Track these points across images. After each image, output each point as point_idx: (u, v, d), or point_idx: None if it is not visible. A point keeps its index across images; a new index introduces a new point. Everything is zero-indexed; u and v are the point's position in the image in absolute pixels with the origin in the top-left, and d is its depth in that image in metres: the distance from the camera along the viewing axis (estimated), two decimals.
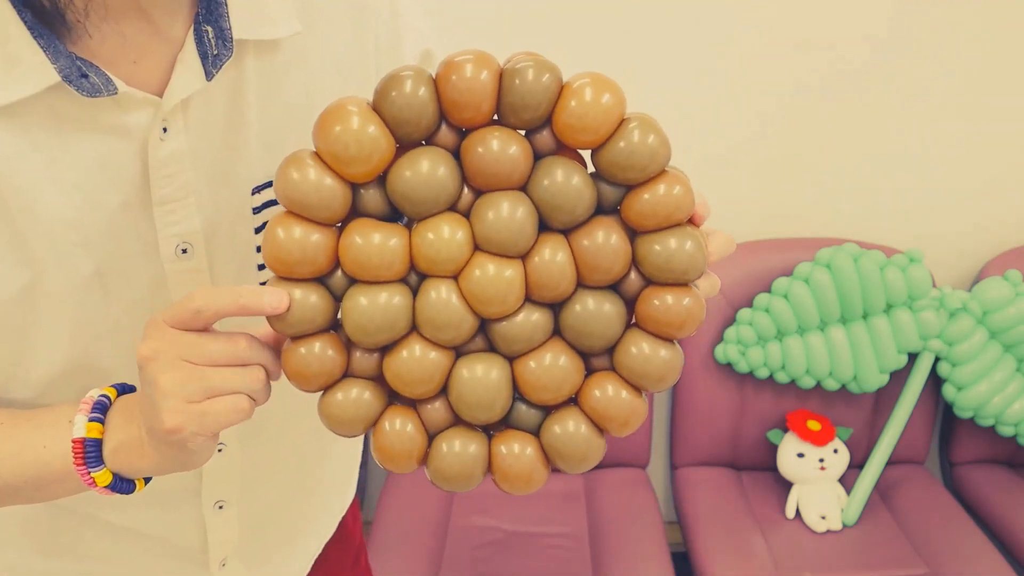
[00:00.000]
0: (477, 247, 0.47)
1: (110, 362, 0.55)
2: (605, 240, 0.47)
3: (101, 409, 0.50)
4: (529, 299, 0.48)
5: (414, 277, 0.48)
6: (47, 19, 0.45)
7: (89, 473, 0.49)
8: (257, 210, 0.56)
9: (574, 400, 0.50)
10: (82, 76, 0.45)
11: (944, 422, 1.70)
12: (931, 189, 1.62)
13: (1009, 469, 1.64)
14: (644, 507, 1.53)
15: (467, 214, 0.48)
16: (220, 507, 0.66)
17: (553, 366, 0.48)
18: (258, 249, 0.57)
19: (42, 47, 0.45)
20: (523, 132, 0.47)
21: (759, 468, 1.65)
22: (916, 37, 1.51)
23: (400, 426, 0.48)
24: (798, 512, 1.53)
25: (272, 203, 0.57)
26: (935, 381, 1.59)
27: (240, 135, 0.54)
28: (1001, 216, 1.64)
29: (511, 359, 0.49)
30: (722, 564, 1.39)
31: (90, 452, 0.49)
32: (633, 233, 0.48)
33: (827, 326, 1.52)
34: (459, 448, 0.48)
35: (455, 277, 0.47)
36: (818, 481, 1.54)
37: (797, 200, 1.63)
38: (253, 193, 0.56)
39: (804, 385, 1.55)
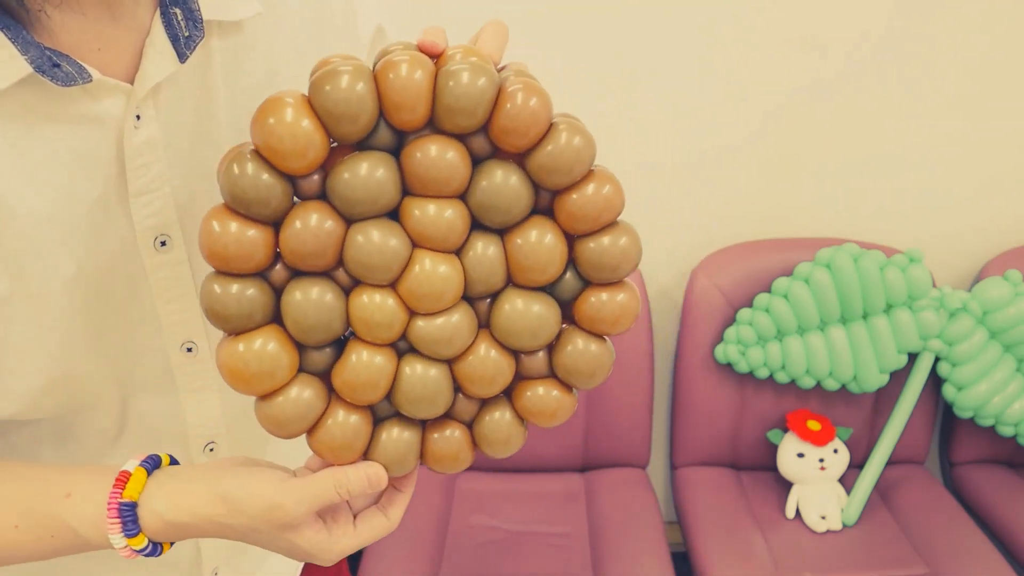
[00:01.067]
0: (414, 244, 0.47)
1: (94, 370, 0.54)
2: (539, 239, 0.47)
3: (132, 519, 0.49)
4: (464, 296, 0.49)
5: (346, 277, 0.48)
6: (8, 8, 0.43)
7: (127, 543, 0.49)
8: None
9: (507, 394, 0.52)
10: (54, 66, 0.44)
11: (944, 422, 1.70)
12: (931, 189, 1.62)
13: (1009, 469, 1.64)
14: (644, 507, 1.53)
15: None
16: None
17: (486, 359, 0.49)
18: None
19: (10, 39, 0.43)
20: (462, 136, 0.47)
21: (759, 468, 1.65)
22: (916, 37, 1.51)
23: (343, 419, 0.49)
24: (798, 512, 1.53)
25: None
26: (935, 381, 1.59)
27: (210, 121, 0.53)
28: (1001, 216, 1.64)
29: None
30: (722, 564, 1.39)
31: (127, 520, 0.48)
32: (570, 237, 0.49)
33: (827, 326, 1.52)
34: (396, 435, 0.51)
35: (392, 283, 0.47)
36: (818, 481, 1.54)
37: (797, 200, 1.63)
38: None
39: (804, 385, 1.55)
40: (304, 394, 0.48)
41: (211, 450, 0.63)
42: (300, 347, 0.48)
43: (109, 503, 0.48)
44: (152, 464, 0.51)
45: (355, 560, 1.43)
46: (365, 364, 0.47)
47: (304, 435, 0.50)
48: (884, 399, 1.61)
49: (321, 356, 0.49)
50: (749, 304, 1.55)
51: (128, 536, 0.48)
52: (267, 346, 0.46)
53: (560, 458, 1.64)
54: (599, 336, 0.51)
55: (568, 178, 0.46)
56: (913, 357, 1.54)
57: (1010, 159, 1.61)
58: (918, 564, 1.41)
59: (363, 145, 0.46)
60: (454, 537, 1.48)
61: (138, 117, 0.49)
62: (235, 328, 0.47)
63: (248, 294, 0.46)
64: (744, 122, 1.57)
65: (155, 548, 0.50)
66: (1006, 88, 1.55)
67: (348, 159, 0.46)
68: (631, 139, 1.57)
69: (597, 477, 1.62)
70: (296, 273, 0.47)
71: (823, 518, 1.50)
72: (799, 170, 1.61)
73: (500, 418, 0.51)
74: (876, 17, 1.50)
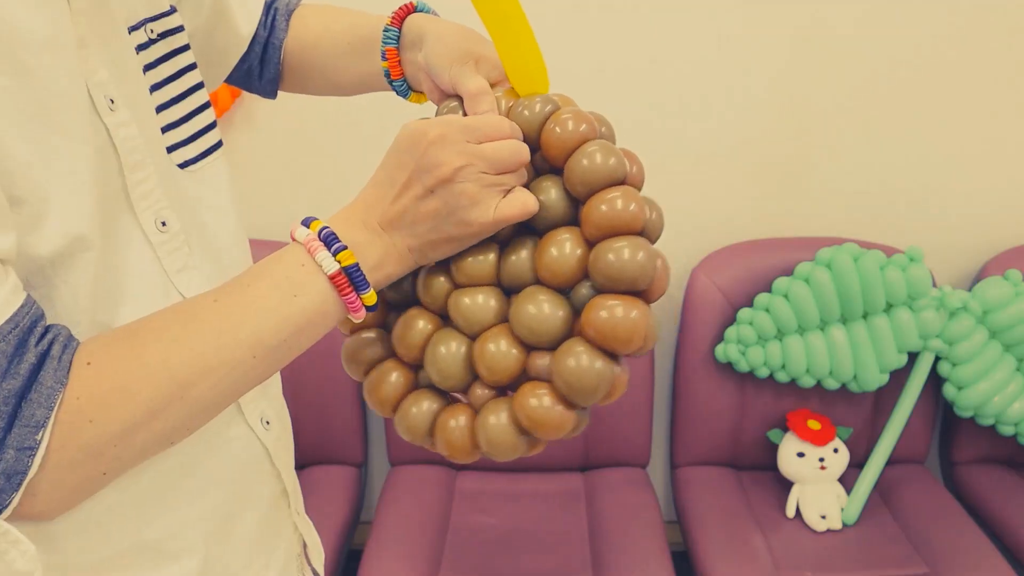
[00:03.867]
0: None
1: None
2: (562, 243, 0.53)
3: (334, 239, 0.51)
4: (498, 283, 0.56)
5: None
6: None
7: (359, 297, 0.52)
8: (138, 49, 0.57)
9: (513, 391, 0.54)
10: None
11: (944, 422, 1.70)
12: (931, 189, 1.62)
13: (1009, 469, 1.64)
14: (644, 507, 1.52)
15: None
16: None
17: (498, 352, 0.53)
18: (151, 90, 0.58)
19: None
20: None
21: (759, 468, 1.65)
22: (916, 37, 1.51)
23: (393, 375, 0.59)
24: (798, 511, 1.53)
25: (145, 45, 0.58)
26: (935, 381, 1.59)
27: None
28: (1001, 216, 1.64)
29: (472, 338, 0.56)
30: (722, 564, 1.39)
31: (356, 277, 0.51)
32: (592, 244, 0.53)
33: (827, 326, 1.52)
34: (418, 408, 0.57)
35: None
36: (818, 481, 1.54)
37: (797, 200, 1.63)
38: (131, 32, 0.56)
39: (804, 384, 1.55)
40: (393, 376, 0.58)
41: (267, 425, 0.66)
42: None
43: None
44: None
45: (355, 560, 1.43)
46: (412, 323, 0.57)
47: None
48: (884, 399, 1.61)
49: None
50: (749, 304, 1.55)
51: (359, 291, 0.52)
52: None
53: (560, 458, 1.64)
54: (603, 351, 0.50)
55: (595, 188, 0.54)
56: (913, 357, 1.54)
57: (1010, 159, 1.61)
58: (918, 564, 1.41)
59: None
60: (454, 537, 1.48)
61: None
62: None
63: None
64: (745, 122, 1.57)
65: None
66: (1006, 88, 1.55)
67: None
68: (631, 139, 1.57)
69: (597, 477, 1.62)
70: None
71: (823, 518, 1.50)
72: (799, 170, 1.61)
73: (498, 423, 0.53)
74: (876, 18, 1.50)
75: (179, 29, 0.62)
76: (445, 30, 0.65)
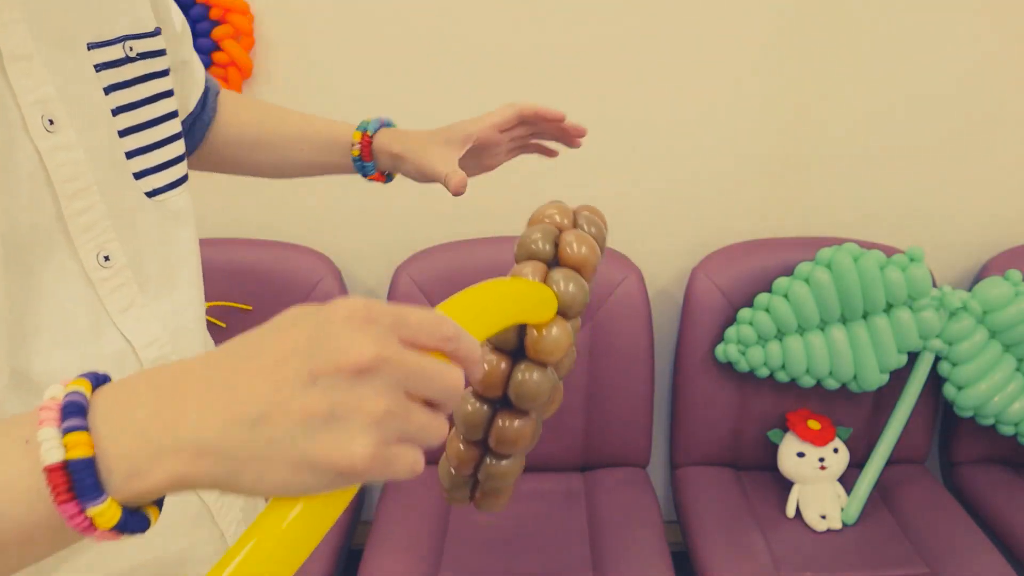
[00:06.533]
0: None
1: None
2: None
3: (78, 412, 0.32)
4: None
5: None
6: None
7: (83, 512, 0.31)
8: (99, 68, 0.52)
9: None
10: None
11: (944, 422, 1.70)
12: (931, 189, 1.62)
13: (1009, 469, 1.64)
14: (644, 507, 1.52)
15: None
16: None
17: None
18: (114, 112, 0.53)
19: None
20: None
21: (759, 467, 1.65)
22: (916, 37, 1.51)
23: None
24: (798, 511, 1.52)
25: (117, 63, 0.53)
26: (935, 380, 1.58)
27: None
28: (1001, 216, 1.64)
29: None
30: (722, 564, 1.39)
31: (80, 478, 0.31)
32: None
33: (827, 325, 1.52)
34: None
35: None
36: (818, 480, 1.54)
37: (797, 200, 1.63)
38: (90, 49, 0.52)
39: (804, 384, 1.55)
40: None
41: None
42: None
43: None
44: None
45: (355, 559, 1.43)
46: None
47: None
48: (884, 398, 1.61)
49: None
50: (749, 304, 1.55)
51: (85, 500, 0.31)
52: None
53: (560, 458, 1.64)
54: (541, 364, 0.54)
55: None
56: (913, 356, 1.54)
57: (1010, 159, 1.61)
58: (918, 564, 1.41)
59: None
60: (454, 536, 1.48)
61: None
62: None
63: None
64: (745, 122, 1.57)
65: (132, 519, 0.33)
66: (1006, 87, 1.55)
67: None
68: (632, 139, 1.57)
69: (597, 477, 1.62)
70: None
71: (823, 517, 1.50)
72: (799, 170, 1.61)
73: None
74: (876, 18, 1.50)
75: (160, 53, 0.59)
76: (415, 135, 0.75)
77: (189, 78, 0.71)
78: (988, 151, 1.60)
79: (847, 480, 1.57)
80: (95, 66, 0.52)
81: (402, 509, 1.52)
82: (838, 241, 1.54)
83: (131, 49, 0.55)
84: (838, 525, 1.50)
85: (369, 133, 0.80)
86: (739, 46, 1.52)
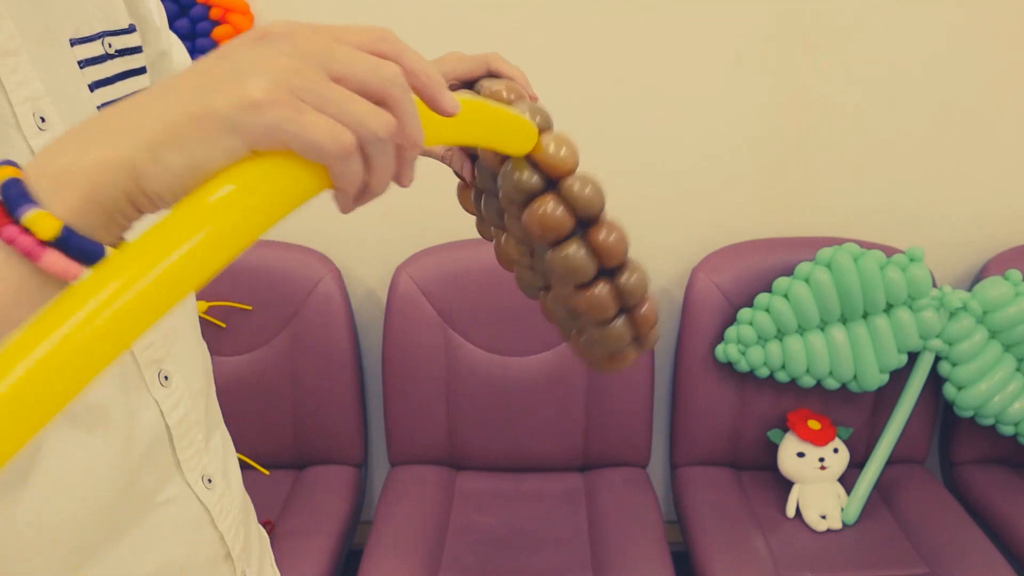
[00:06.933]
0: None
1: None
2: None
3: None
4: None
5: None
6: None
7: (18, 223, 0.30)
8: (83, 64, 0.50)
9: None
10: None
11: (944, 422, 1.70)
12: (931, 189, 1.62)
13: (1009, 469, 1.64)
14: (644, 507, 1.52)
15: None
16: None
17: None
18: (100, 108, 0.51)
19: None
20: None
21: (759, 467, 1.65)
22: (916, 37, 1.51)
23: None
24: (798, 511, 1.53)
25: (99, 59, 0.51)
26: (935, 380, 1.58)
27: None
28: (1001, 216, 1.64)
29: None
30: (722, 564, 1.39)
31: (9, 196, 0.30)
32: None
33: (827, 325, 1.52)
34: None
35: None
36: (818, 480, 1.54)
37: (797, 200, 1.63)
38: (75, 44, 0.50)
39: (804, 384, 1.55)
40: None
41: (166, 378, 0.56)
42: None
43: None
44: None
45: (355, 559, 1.43)
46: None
47: None
48: (884, 398, 1.61)
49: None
50: (749, 303, 1.55)
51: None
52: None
53: (560, 458, 1.64)
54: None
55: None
56: (913, 356, 1.54)
57: (1010, 159, 1.61)
58: (918, 564, 1.41)
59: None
60: (454, 537, 1.48)
61: None
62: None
63: None
64: (744, 122, 1.57)
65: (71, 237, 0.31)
66: (1006, 87, 1.55)
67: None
68: (632, 139, 1.57)
69: (597, 477, 1.62)
70: None
71: (823, 517, 1.50)
72: (799, 170, 1.61)
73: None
74: (876, 18, 1.50)
75: (137, 50, 0.57)
76: None
77: (170, 66, 0.69)
78: (989, 151, 1.60)
79: (847, 480, 1.57)
80: (79, 62, 0.50)
81: (402, 509, 1.52)
82: (838, 241, 1.54)
83: (110, 46, 0.53)
84: (838, 525, 1.50)
85: None
86: (739, 46, 1.52)
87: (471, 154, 0.58)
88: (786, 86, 1.54)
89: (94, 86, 0.51)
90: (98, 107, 0.50)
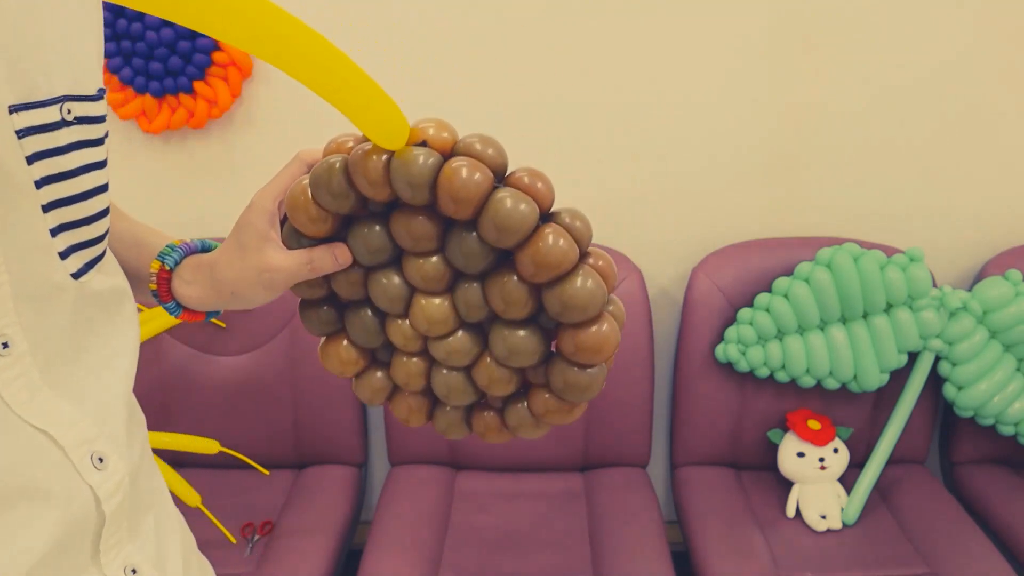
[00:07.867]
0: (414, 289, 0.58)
1: None
2: (504, 284, 0.54)
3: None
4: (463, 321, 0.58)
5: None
6: None
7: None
8: (22, 134, 0.45)
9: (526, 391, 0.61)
10: None
11: (944, 422, 1.70)
12: (931, 189, 1.62)
13: (1009, 469, 1.64)
14: (644, 507, 1.53)
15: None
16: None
17: (492, 370, 0.58)
18: (37, 184, 0.46)
19: None
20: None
21: (759, 467, 1.65)
22: (916, 38, 1.51)
23: (407, 398, 0.64)
24: (798, 511, 1.53)
25: (47, 128, 0.46)
26: (935, 380, 1.59)
27: None
28: (1001, 216, 1.64)
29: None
30: (722, 564, 1.39)
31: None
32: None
33: (827, 325, 1.52)
34: (447, 411, 0.64)
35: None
36: (818, 480, 1.54)
37: (797, 200, 1.63)
38: (11, 112, 0.44)
39: (804, 384, 1.55)
40: (376, 376, 0.63)
41: (100, 460, 0.52)
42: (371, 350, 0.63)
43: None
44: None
45: (355, 559, 1.43)
46: (404, 365, 0.61)
47: None
48: (884, 398, 1.61)
49: (385, 354, 0.63)
50: (750, 303, 1.55)
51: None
52: (342, 344, 0.62)
53: (560, 458, 1.64)
54: (584, 365, 0.55)
55: (516, 238, 0.52)
56: (913, 356, 1.54)
57: (1010, 159, 1.61)
58: (918, 564, 1.41)
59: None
60: (454, 537, 1.48)
61: None
62: (321, 334, 0.63)
63: (325, 312, 0.62)
64: (745, 122, 1.57)
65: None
66: (1007, 87, 1.55)
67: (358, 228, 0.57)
68: (632, 139, 1.57)
69: (597, 477, 1.62)
70: (350, 303, 0.61)
71: (823, 517, 1.50)
72: (799, 170, 1.61)
73: (521, 408, 0.60)
74: (876, 18, 1.50)
75: (100, 119, 0.52)
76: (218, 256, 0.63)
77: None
78: (989, 151, 1.60)
79: (847, 480, 1.57)
80: (17, 132, 0.45)
81: (402, 509, 1.52)
82: (838, 241, 1.54)
83: (68, 112, 0.48)
84: (838, 525, 1.50)
85: (167, 266, 0.63)
86: (738, 46, 1.52)
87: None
88: (786, 87, 1.54)
89: (33, 158, 0.46)
90: (36, 182, 0.46)
